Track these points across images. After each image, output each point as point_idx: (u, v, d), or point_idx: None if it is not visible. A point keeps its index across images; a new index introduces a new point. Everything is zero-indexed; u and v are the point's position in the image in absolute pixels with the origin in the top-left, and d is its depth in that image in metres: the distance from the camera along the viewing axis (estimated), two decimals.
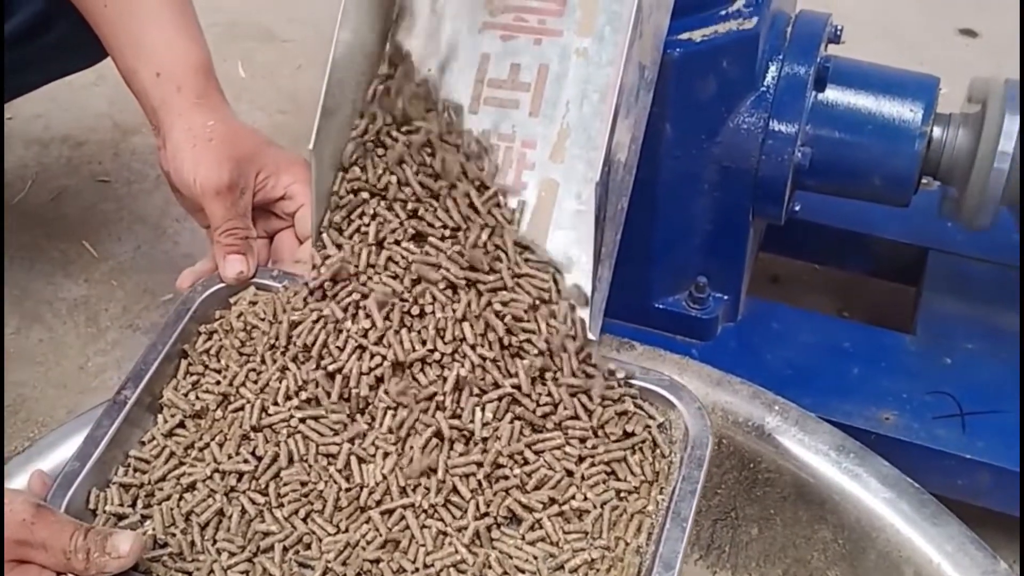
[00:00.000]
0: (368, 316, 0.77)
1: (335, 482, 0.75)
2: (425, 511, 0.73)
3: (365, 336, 0.77)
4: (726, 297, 1.08)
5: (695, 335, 1.08)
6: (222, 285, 0.86)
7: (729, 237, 1.04)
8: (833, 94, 0.99)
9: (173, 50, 0.92)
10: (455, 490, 0.74)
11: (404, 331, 0.77)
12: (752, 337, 1.09)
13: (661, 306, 1.07)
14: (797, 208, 1.03)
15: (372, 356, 0.76)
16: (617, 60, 0.76)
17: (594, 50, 0.80)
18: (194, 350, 0.82)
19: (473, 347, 0.76)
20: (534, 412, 0.75)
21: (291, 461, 0.76)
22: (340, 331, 0.78)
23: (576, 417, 0.75)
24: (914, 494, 0.81)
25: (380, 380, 0.77)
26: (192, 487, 0.76)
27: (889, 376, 1.04)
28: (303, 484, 0.75)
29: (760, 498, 0.86)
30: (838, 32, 1.01)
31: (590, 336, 0.77)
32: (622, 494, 0.74)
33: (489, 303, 0.76)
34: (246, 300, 0.85)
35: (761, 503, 0.87)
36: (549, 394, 0.75)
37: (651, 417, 0.77)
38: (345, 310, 0.79)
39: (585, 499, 0.73)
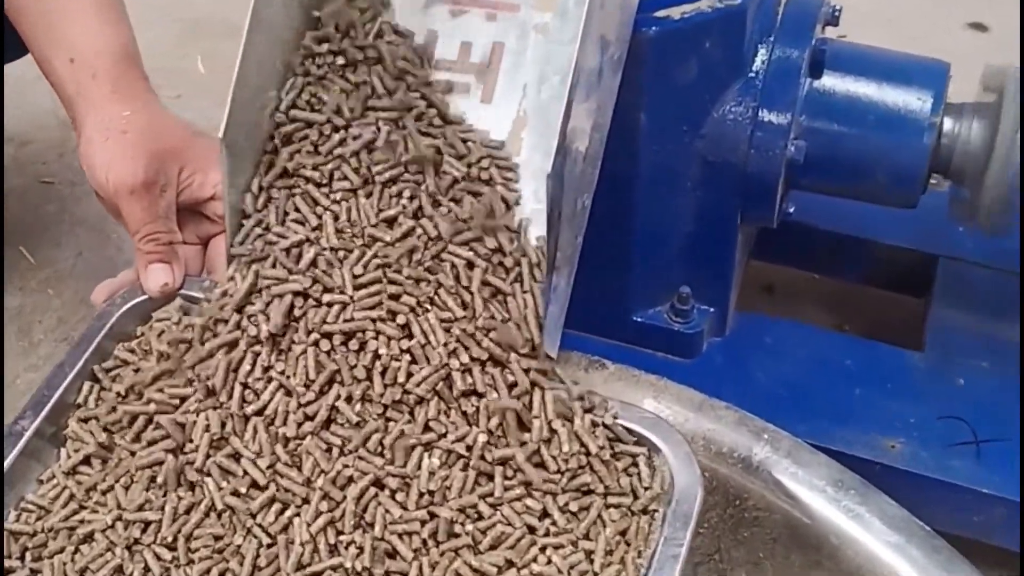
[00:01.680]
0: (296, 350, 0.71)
1: (254, 537, 0.68)
2: (358, 574, 0.66)
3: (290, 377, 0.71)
4: (712, 309, 1.04)
5: (678, 352, 1.04)
6: (144, 298, 0.81)
7: (715, 242, 1.00)
8: (830, 81, 0.95)
9: (88, 34, 0.87)
10: (394, 550, 0.67)
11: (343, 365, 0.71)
12: (741, 354, 1.05)
13: (640, 319, 1.03)
14: (791, 210, 0.99)
15: (303, 394, 0.71)
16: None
17: (555, 26, 0.77)
18: (106, 374, 0.78)
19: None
20: (491, 459, 0.69)
21: (205, 511, 0.69)
22: (265, 368, 0.72)
23: (541, 465, 0.69)
24: (924, 538, 0.75)
25: (310, 419, 0.70)
26: (90, 538, 0.72)
27: (895, 398, 1.00)
28: (217, 539, 0.69)
29: (747, 540, 0.82)
30: (836, 13, 0.97)
31: (547, 352, 0.72)
32: (592, 557, 0.68)
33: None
34: (171, 316, 0.79)
35: (748, 545, 0.82)
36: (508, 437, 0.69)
37: (633, 464, 0.71)
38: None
39: (549, 562, 0.67)
